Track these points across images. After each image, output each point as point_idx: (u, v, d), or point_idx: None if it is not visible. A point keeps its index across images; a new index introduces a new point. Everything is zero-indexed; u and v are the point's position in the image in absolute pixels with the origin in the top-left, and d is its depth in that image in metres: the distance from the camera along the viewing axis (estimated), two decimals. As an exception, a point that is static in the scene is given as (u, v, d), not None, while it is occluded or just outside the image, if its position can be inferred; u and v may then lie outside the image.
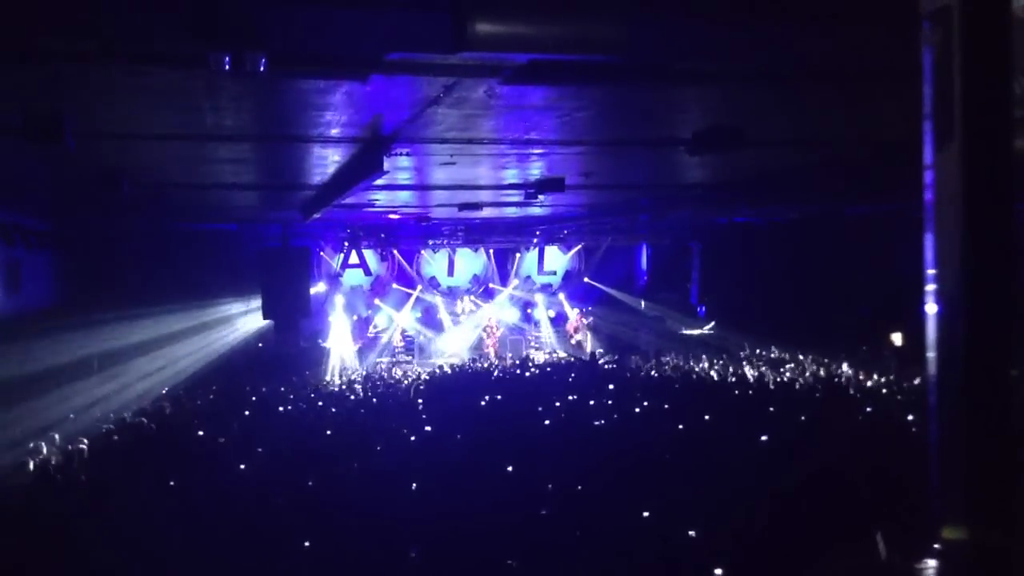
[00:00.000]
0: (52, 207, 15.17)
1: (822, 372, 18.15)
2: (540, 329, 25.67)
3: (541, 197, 13.18)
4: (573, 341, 25.21)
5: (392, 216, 18.36)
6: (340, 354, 22.91)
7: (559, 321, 25.88)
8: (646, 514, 7.21)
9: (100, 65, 6.13)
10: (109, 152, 9.84)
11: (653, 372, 18.90)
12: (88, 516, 7.74)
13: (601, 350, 23.79)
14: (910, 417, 11.29)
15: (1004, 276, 1.55)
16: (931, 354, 1.68)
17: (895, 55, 3.08)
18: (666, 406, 13.17)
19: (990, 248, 1.56)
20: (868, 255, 17.33)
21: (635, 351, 23.34)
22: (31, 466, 10.16)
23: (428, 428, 11.79)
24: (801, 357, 19.86)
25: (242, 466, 9.45)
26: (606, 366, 19.90)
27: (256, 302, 19.91)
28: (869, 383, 15.92)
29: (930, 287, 1.67)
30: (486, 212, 16.99)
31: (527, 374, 18.97)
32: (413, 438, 10.89)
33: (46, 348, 14.84)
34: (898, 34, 2.44)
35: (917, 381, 14.57)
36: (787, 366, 19.17)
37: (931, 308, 1.68)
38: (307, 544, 6.68)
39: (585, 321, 25.69)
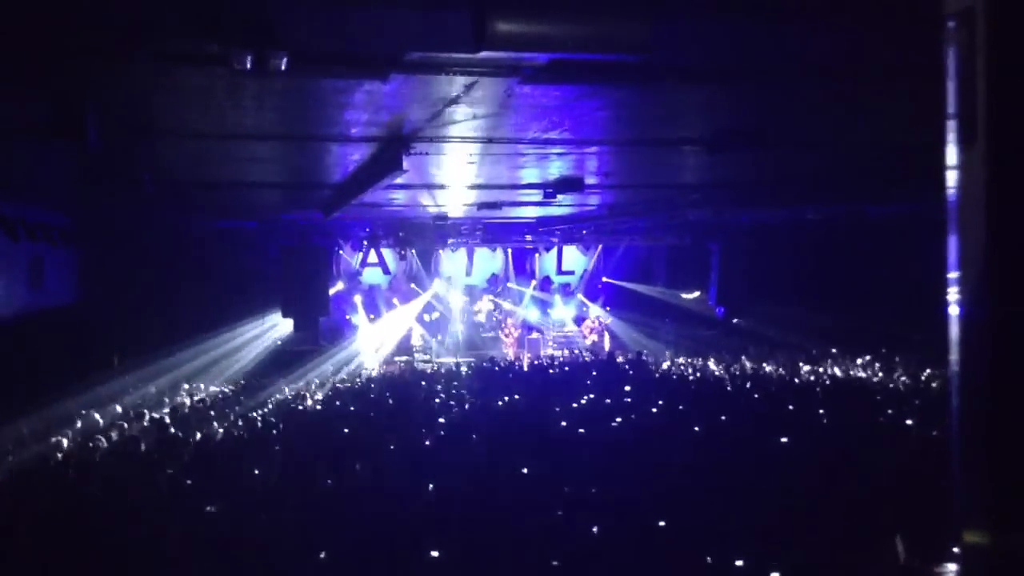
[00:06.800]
0: (75, 204, 15.31)
1: (842, 373, 18.06)
2: (558, 329, 25.63)
3: (560, 197, 13.17)
4: (588, 341, 25.18)
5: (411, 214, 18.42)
6: (365, 351, 23.06)
7: (578, 322, 25.87)
8: (662, 523, 7.18)
9: (124, 63, 6.19)
10: (132, 150, 9.92)
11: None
12: (103, 514, 7.79)
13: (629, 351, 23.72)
14: (931, 419, 11.19)
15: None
16: (953, 356, 1.66)
17: (919, 54, 3.06)
18: (681, 407, 13.13)
19: (1015, 250, 1.54)
20: (890, 256, 17.22)
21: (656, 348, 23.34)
22: (52, 461, 10.24)
23: (441, 420, 11.84)
24: (821, 358, 19.76)
25: (256, 471, 9.43)
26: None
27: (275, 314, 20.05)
28: (890, 384, 15.82)
29: (953, 289, 1.65)
30: (505, 212, 17.00)
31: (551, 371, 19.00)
32: (428, 443, 10.89)
33: (69, 342, 14.96)
34: (922, 33, 2.43)
35: (938, 383, 14.48)
36: (807, 367, 19.08)
37: (953, 310, 1.66)
38: (322, 550, 6.68)
39: (606, 321, 25.64)
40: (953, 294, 1.65)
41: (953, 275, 1.64)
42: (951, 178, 1.64)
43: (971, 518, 1.61)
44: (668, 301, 24.79)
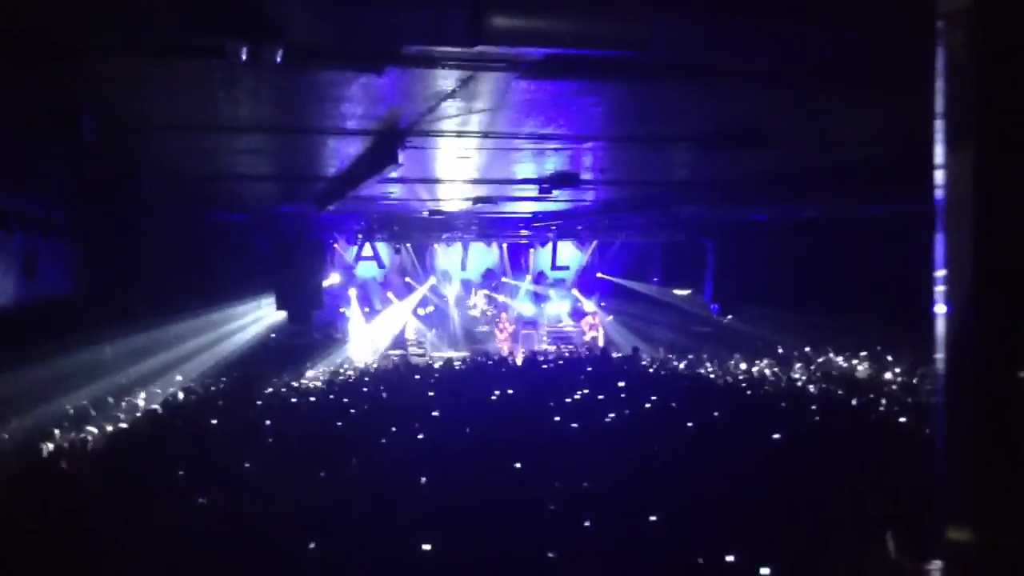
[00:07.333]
0: (72, 197, 15.27)
1: (835, 370, 18.10)
2: (553, 324, 25.66)
3: (555, 192, 13.16)
4: (587, 337, 25.14)
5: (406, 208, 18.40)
6: (358, 345, 23.08)
7: (576, 317, 25.89)
8: (653, 518, 7.21)
9: (120, 57, 6.18)
10: (128, 143, 9.89)
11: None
12: (95, 503, 7.79)
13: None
14: (924, 417, 11.24)
15: (1015, 279, 1.53)
16: (940, 355, 1.66)
17: (916, 54, 3.07)
18: (674, 403, 13.16)
19: (1002, 250, 1.54)
20: (886, 254, 17.24)
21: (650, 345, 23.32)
22: (45, 452, 10.24)
23: (436, 413, 11.84)
24: (815, 355, 19.80)
25: (247, 464, 9.42)
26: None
27: (269, 298, 20.06)
28: (883, 382, 15.86)
29: (940, 288, 1.65)
30: (500, 206, 16.99)
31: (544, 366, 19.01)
32: (421, 436, 10.90)
33: (62, 334, 14.94)
34: (920, 33, 2.44)
35: (931, 381, 14.51)
36: (801, 364, 19.12)
37: (940, 308, 1.66)
38: (315, 542, 6.69)
39: (606, 318, 25.63)
40: (941, 292, 1.65)
41: (940, 273, 1.65)
42: (940, 177, 1.64)
43: (956, 515, 1.62)
44: (663, 297, 24.82)
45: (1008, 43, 1.54)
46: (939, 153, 1.64)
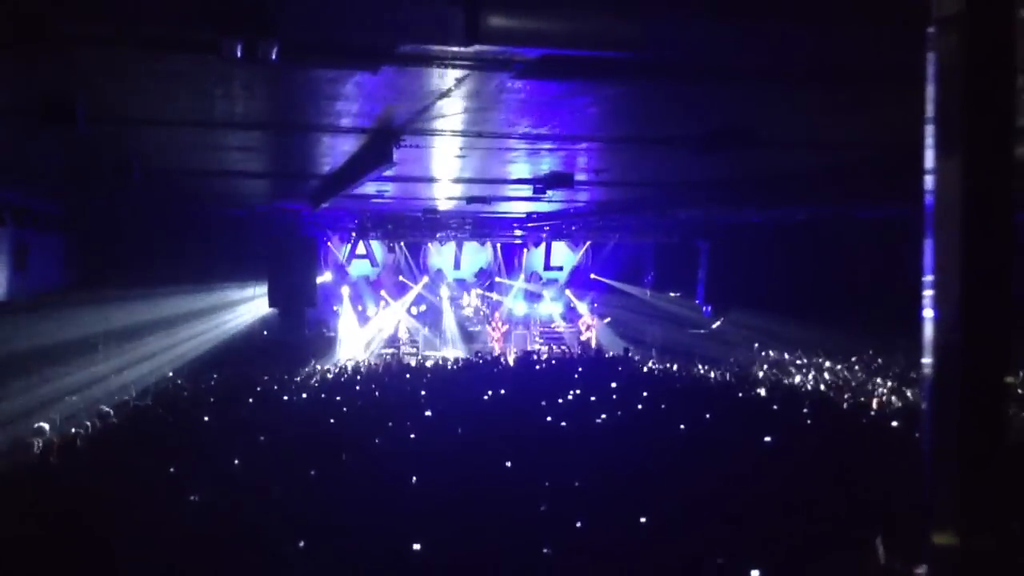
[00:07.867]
0: (63, 190, 15.24)
1: (828, 374, 18.14)
2: (546, 324, 25.68)
3: (550, 192, 13.16)
4: (583, 337, 25.14)
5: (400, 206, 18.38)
6: (349, 343, 23.05)
7: (571, 317, 25.89)
8: (643, 519, 7.21)
9: (114, 50, 6.15)
10: (121, 137, 9.86)
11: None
12: (86, 499, 7.76)
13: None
14: (915, 421, 11.26)
15: (1002, 285, 1.54)
16: (927, 359, 1.66)
17: (910, 59, 3.07)
18: (663, 405, 13.16)
19: (989, 256, 1.54)
20: (879, 257, 17.28)
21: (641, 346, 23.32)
22: (35, 447, 10.19)
23: (428, 413, 11.83)
24: (808, 358, 19.84)
25: (236, 461, 9.38)
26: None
27: (261, 288, 20.03)
28: (875, 385, 15.90)
29: (929, 292, 1.65)
30: (494, 206, 16.99)
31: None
32: (413, 435, 10.88)
33: (52, 328, 14.91)
34: (914, 37, 2.44)
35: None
36: (793, 367, 19.15)
37: (929, 313, 1.66)
38: (306, 540, 6.68)
39: (603, 321, 25.63)
40: (930, 297, 1.65)
41: (928, 278, 1.65)
42: (929, 182, 1.65)
43: (942, 520, 1.63)
44: (656, 298, 24.87)
45: (998, 49, 1.55)
46: (928, 158, 1.65)
